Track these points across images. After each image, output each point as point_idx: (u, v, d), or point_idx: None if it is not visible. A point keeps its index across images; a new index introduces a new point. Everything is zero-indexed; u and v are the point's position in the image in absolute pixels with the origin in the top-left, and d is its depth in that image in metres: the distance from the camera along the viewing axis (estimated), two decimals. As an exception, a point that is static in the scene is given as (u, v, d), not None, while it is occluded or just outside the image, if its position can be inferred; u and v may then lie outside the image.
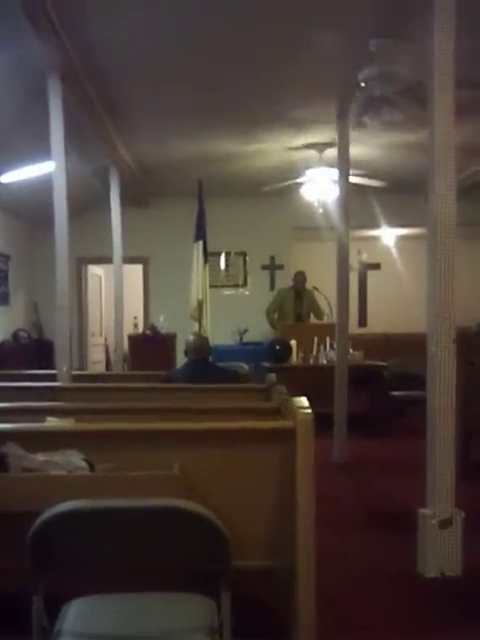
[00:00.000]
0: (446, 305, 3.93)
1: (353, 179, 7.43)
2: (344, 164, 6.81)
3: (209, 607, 2.16)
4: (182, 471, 2.70)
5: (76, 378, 5.64)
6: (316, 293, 10.07)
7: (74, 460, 2.68)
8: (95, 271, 12.26)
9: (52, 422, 3.29)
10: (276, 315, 10.47)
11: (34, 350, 9.84)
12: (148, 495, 2.22)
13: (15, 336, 10.29)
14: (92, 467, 2.71)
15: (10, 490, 2.57)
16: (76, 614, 2.13)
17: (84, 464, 2.69)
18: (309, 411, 2.78)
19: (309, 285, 10.31)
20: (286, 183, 8.81)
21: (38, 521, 1.95)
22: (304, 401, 2.96)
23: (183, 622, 2.11)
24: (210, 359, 5.78)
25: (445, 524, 3.88)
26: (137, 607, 2.19)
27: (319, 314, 10.14)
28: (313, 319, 10.32)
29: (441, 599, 3.64)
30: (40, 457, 2.69)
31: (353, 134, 6.85)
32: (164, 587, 2.25)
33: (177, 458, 2.76)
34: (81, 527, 1.98)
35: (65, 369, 5.40)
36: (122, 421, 3.13)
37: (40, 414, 3.40)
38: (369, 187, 8.86)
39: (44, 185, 5.80)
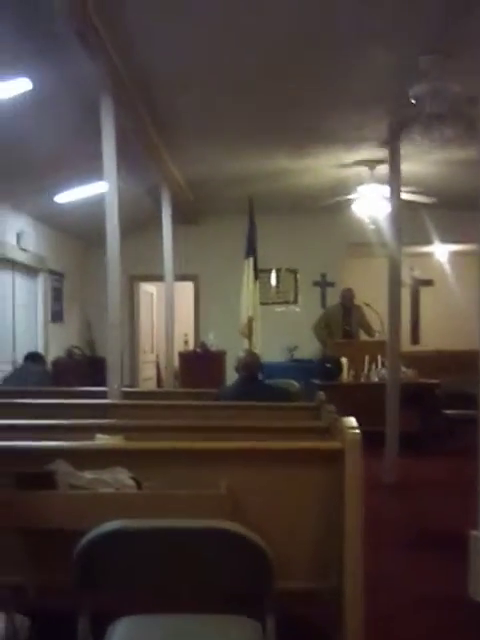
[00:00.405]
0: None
1: (404, 196, 7.38)
2: (395, 181, 6.77)
3: (254, 629, 2.14)
4: (229, 490, 2.69)
5: (126, 395, 5.68)
6: (367, 310, 9.98)
7: (122, 478, 2.70)
8: (147, 289, 12.38)
9: (101, 439, 3.31)
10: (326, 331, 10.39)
11: (87, 367, 9.96)
12: (194, 514, 2.23)
13: (69, 353, 10.44)
14: (139, 485, 2.73)
15: (58, 507, 2.60)
16: (122, 634, 2.13)
17: (131, 482, 2.70)
18: (358, 431, 2.76)
19: (360, 302, 10.23)
20: (337, 199, 8.79)
21: (84, 540, 1.96)
22: (353, 421, 2.93)
23: (229, 644, 2.10)
24: (260, 376, 5.77)
25: (498, 547, 3.80)
26: (183, 628, 2.19)
27: (369, 331, 10.04)
28: (363, 336, 10.24)
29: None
30: (88, 475, 2.72)
31: (405, 150, 6.81)
32: (209, 608, 2.24)
33: (224, 477, 2.76)
34: (126, 546, 1.99)
35: (116, 386, 5.44)
36: (170, 439, 3.15)
37: (89, 431, 3.44)
38: (421, 203, 8.79)
39: (97, 205, 5.89)
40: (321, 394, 4.83)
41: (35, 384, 6.59)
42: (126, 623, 2.18)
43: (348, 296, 10.24)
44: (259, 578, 2.03)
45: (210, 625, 2.20)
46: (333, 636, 2.91)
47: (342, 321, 10.15)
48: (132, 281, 11.68)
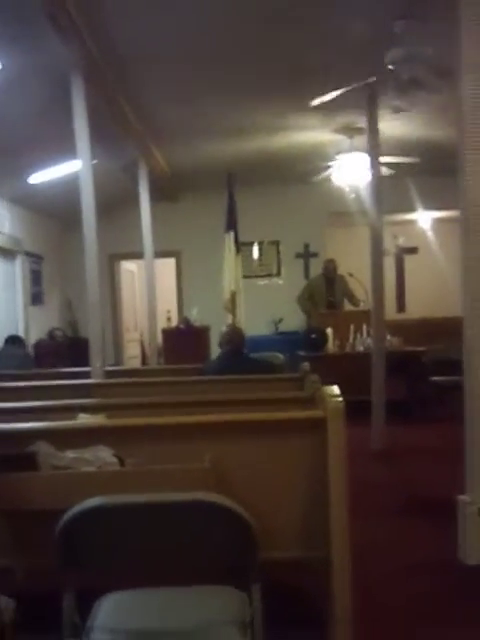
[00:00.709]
0: (480, 287, 3.84)
1: (386, 159, 7.33)
2: (374, 148, 6.73)
3: (241, 599, 2.14)
4: (213, 464, 2.68)
5: (110, 374, 5.66)
6: (352, 279, 9.96)
7: (104, 456, 2.68)
8: (128, 267, 12.31)
9: (84, 418, 3.29)
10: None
11: (70, 348, 9.91)
12: (179, 489, 2.21)
13: (51, 335, 10.39)
14: (122, 462, 2.71)
15: (40, 488, 2.58)
16: (108, 610, 2.12)
17: (114, 459, 2.68)
18: (340, 399, 2.74)
19: (344, 271, 10.21)
20: (317, 168, 8.75)
21: (65, 517, 1.94)
22: (335, 389, 2.91)
23: (215, 615, 2.09)
24: (245, 350, 5.75)
25: (485, 511, 3.82)
26: (169, 601, 2.18)
27: (353, 300, 10.05)
28: (348, 306, 10.25)
29: (482, 586, 3.59)
30: (70, 454, 2.69)
31: (384, 116, 6.76)
32: (196, 580, 2.23)
33: (208, 451, 2.74)
34: (108, 523, 1.98)
35: (98, 365, 5.42)
36: (153, 415, 3.13)
37: (71, 411, 3.41)
38: (404, 169, 8.74)
39: (72, 184, 5.83)
40: (305, 365, 4.82)
41: (16, 367, 6.55)
42: (112, 599, 2.17)
43: (330, 267, 10.24)
44: (244, 549, 2.02)
45: (196, 597, 2.19)
46: (322, 605, 2.91)
47: (326, 292, 10.15)
48: (112, 260, 11.61)
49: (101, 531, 2.01)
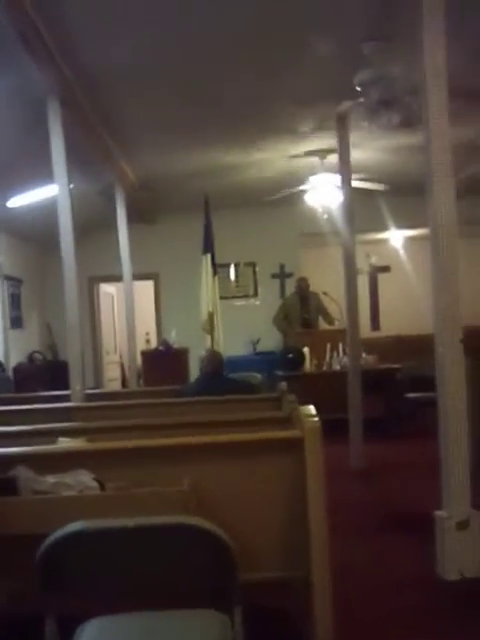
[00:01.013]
0: (451, 305, 3.91)
1: (356, 183, 7.43)
2: (346, 169, 6.82)
3: (222, 622, 2.15)
4: (192, 486, 2.70)
5: (90, 397, 5.66)
6: (326, 298, 10.07)
7: (84, 480, 2.70)
8: (107, 289, 12.31)
9: (64, 442, 3.30)
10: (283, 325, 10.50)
11: (49, 371, 9.88)
12: (158, 512, 2.23)
13: (30, 358, 10.36)
14: (102, 486, 2.73)
15: (20, 513, 2.59)
16: (90, 635, 2.12)
17: (94, 483, 2.70)
18: (316, 419, 2.78)
19: (319, 291, 10.34)
20: (289, 191, 8.83)
21: (45, 543, 1.96)
22: (312, 409, 2.96)
23: (197, 639, 2.11)
24: (223, 372, 5.78)
25: (462, 526, 3.86)
26: (151, 625, 2.19)
27: (327, 318, 10.16)
28: (322, 325, 10.35)
29: (462, 601, 3.61)
30: (50, 479, 2.71)
31: (355, 139, 6.86)
32: (178, 604, 2.25)
33: (188, 472, 2.77)
34: (89, 547, 2.00)
35: (78, 388, 5.43)
36: (133, 438, 3.15)
37: (52, 435, 3.42)
38: (375, 190, 8.87)
39: (50, 208, 5.85)
40: (283, 385, 4.86)
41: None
42: (94, 624, 2.17)
43: (303, 285, 10.42)
44: (224, 571, 2.04)
45: (178, 621, 2.20)
46: (303, 624, 2.94)
47: (300, 310, 10.28)
48: (92, 282, 11.61)
49: (82, 556, 2.02)
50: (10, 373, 9.33)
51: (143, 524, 2.01)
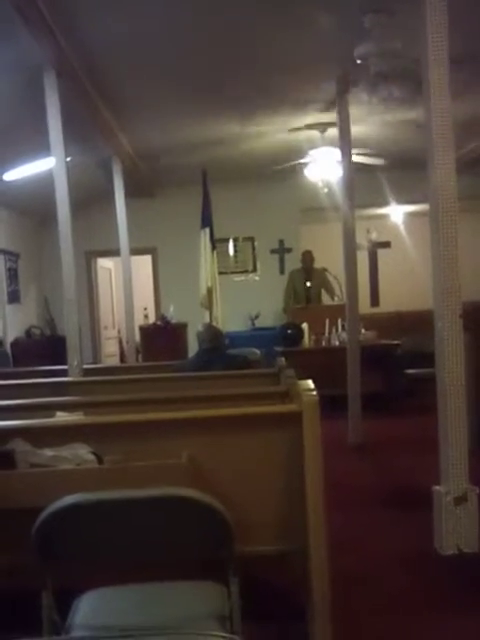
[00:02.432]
0: (451, 281, 3.89)
1: (355, 158, 7.37)
2: (346, 143, 6.76)
3: (220, 594, 2.15)
4: (190, 459, 2.70)
5: (87, 372, 5.65)
6: (327, 274, 10.09)
7: (82, 453, 2.69)
8: (105, 264, 12.27)
9: (61, 417, 3.29)
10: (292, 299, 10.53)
11: (48, 346, 9.87)
12: (155, 485, 2.22)
13: (28, 333, 10.34)
14: (100, 459, 2.72)
15: (17, 486, 2.59)
16: (87, 607, 2.13)
17: (91, 457, 2.69)
18: (314, 393, 2.77)
19: (319, 266, 10.34)
20: (289, 164, 8.76)
21: (41, 516, 1.95)
22: (310, 384, 2.94)
23: (194, 610, 2.11)
24: (222, 347, 5.75)
25: (460, 501, 3.87)
26: (148, 597, 2.19)
27: (331, 291, 10.16)
28: (325, 299, 10.36)
29: (459, 576, 3.63)
30: (48, 452, 2.70)
31: (356, 113, 6.80)
32: (175, 576, 2.25)
33: (186, 446, 2.77)
34: (85, 520, 1.99)
35: (75, 363, 5.41)
36: (130, 412, 3.14)
37: (49, 409, 3.42)
38: (375, 165, 8.80)
39: (47, 181, 5.80)
40: (281, 360, 4.85)
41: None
42: (91, 596, 2.18)
43: (307, 258, 10.45)
44: (220, 543, 2.04)
45: (176, 592, 2.21)
46: (301, 598, 2.94)
47: (303, 284, 10.30)
48: (89, 257, 11.57)
49: (79, 528, 2.02)
50: (8, 348, 9.31)
51: (140, 496, 2.00)
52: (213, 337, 5.45)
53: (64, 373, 5.48)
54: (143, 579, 2.22)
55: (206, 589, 2.20)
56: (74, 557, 2.07)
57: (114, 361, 12.19)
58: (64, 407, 3.48)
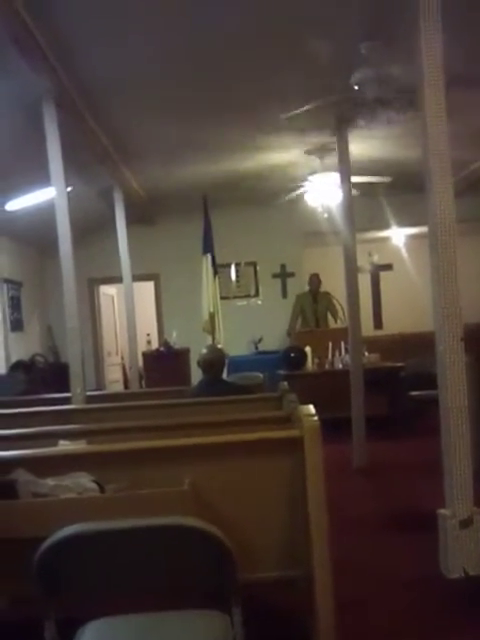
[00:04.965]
0: (451, 303, 3.90)
1: (356, 178, 7.42)
2: (345, 168, 6.81)
3: (223, 622, 2.14)
4: (192, 486, 2.70)
5: (90, 399, 5.65)
6: (332, 297, 10.19)
7: (83, 482, 2.69)
8: (107, 291, 12.31)
9: (64, 445, 3.29)
10: (299, 321, 10.55)
11: (51, 374, 9.87)
12: (158, 513, 2.22)
13: (31, 361, 10.35)
14: (102, 488, 2.72)
15: (20, 516, 2.59)
16: (91, 637, 2.12)
17: (94, 486, 2.70)
18: (316, 418, 2.77)
19: (322, 290, 10.41)
20: (289, 197, 8.83)
21: (42, 547, 1.95)
22: (311, 408, 2.94)
23: (197, 639, 2.10)
24: (224, 374, 5.75)
25: (465, 524, 3.84)
26: (151, 627, 2.18)
27: (336, 315, 10.21)
28: (331, 322, 10.40)
29: (465, 599, 3.60)
30: (50, 482, 2.70)
31: (355, 137, 6.85)
32: (178, 605, 2.24)
33: (188, 473, 2.77)
34: (87, 550, 1.98)
35: (79, 391, 5.42)
36: (133, 440, 3.14)
37: (52, 438, 3.41)
38: (376, 188, 8.85)
39: (49, 210, 5.85)
40: (284, 384, 4.85)
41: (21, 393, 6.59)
42: (95, 626, 2.17)
43: (314, 281, 10.54)
44: (223, 572, 2.03)
45: (178, 621, 2.19)
46: (307, 623, 2.93)
47: (311, 307, 10.37)
48: (92, 284, 11.62)
49: (80, 558, 2.01)
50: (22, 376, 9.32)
51: (141, 525, 2.00)
52: (212, 363, 5.41)
53: (67, 401, 5.49)
54: (146, 608, 2.21)
55: (209, 618, 2.19)
56: (76, 587, 2.06)
57: (118, 387, 12.19)
58: (66, 435, 3.48)
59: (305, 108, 6.17)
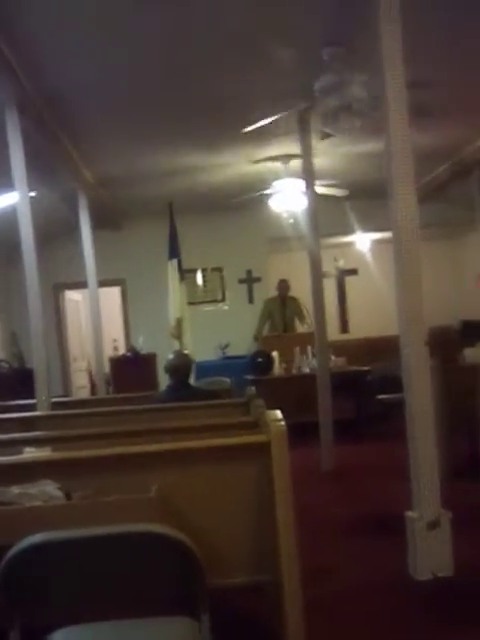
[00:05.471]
0: (415, 307, 3.93)
1: (319, 189, 7.46)
2: (309, 174, 6.86)
3: (192, 629, 2.13)
4: (159, 493, 2.68)
5: (55, 405, 5.60)
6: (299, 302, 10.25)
7: (49, 490, 2.66)
8: (73, 296, 12.21)
9: (29, 453, 3.26)
10: (267, 326, 10.57)
11: (16, 380, 9.76)
12: (125, 520, 2.21)
13: (-5, 367, 10.24)
14: (68, 496, 2.69)
15: (-15, 525, 2.55)
16: (57, 647, 2.10)
17: (59, 493, 2.67)
18: (282, 423, 2.78)
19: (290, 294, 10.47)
20: (249, 196, 8.83)
21: (8, 554, 1.93)
22: (278, 413, 2.94)
23: (166, 646, 2.09)
24: (191, 379, 5.73)
25: (433, 525, 3.87)
26: (119, 634, 2.16)
27: (303, 321, 10.25)
28: (298, 326, 10.44)
29: (434, 601, 3.62)
30: (15, 489, 2.67)
31: (319, 144, 6.88)
32: (146, 612, 2.22)
33: (155, 480, 2.75)
34: (53, 558, 1.96)
35: (44, 398, 5.36)
36: (99, 446, 3.12)
37: (16, 445, 3.38)
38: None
39: (11, 216, 5.79)
40: (251, 389, 4.85)
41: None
42: (61, 635, 2.14)
43: (283, 286, 10.59)
44: (190, 578, 2.03)
45: (146, 629, 2.17)
46: (276, 628, 2.92)
47: (280, 312, 10.42)
48: (57, 290, 11.52)
49: (46, 567, 1.99)
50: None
51: (108, 533, 1.98)
52: (178, 368, 5.40)
53: (32, 407, 5.43)
54: (114, 616, 2.19)
55: (178, 625, 2.17)
56: (42, 595, 2.04)
57: (84, 393, 12.09)
58: (31, 443, 3.44)
59: (265, 122, 6.21)
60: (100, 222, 9.36)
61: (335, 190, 8.53)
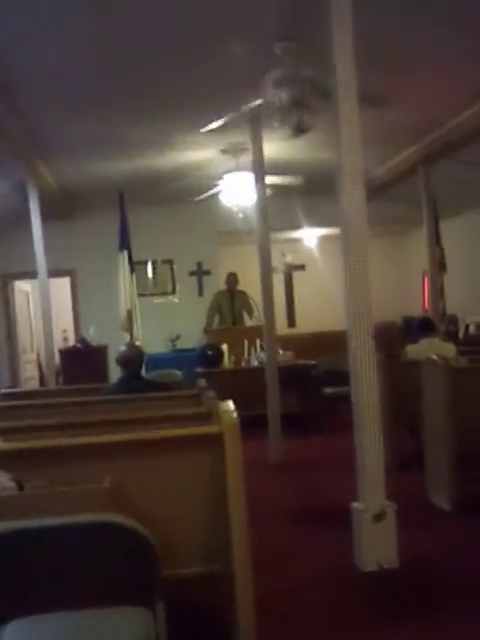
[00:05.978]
0: (362, 303, 4.00)
1: (270, 179, 7.50)
2: (259, 168, 6.89)
3: (147, 619, 2.16)
4: (113, 484, 2.70)
5: (5, 397, 5.54)
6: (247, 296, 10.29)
7: (2, 481, 2.65)
8: (22, 287, 12.05)
9: (-20, 444, 3.24)
10: (216, 319, 10.60)
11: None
12: (79, 510, 2.22)
13: None
14: (21, 486, 2.69)
15: None
16: (12, 637, 2.10)
17: (12, 484, 2.66)
18: (235, 415, 2.82)
19: (239, 288, 10.52)
20: (208, 194, 8.84)
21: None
22: (231, 405, 2.99)
23: (120, 636, 2.11)
24: (142, 371, 5.74)
25: (378, 517, 3.94)
26: (74, 625, 2.17)
27: (252, 315, 10.29)
28: (247, 320, 10.48)
29: (380, 592, 3.70)
30: (-33, 481, 2.66)
31: (270, 137, 6.92)
32: (101, 602, 2.24)
33: (109, 471, 2.76)
34: (6, 548, 1.97)
35: (-8, 389, 5.31)
36: (51, 437, 3.12)
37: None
38: (289, 188, 8.94)
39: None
40: (202, 381, 4.88)
41: None
42: (15, 626, 2.15)
43: (232, 279, 10.63)
44: (145, 567, 2.05)
45: (102, 619, 2.19)
46: (227, 618, 2.97)
47: (228, 305, 10.44)
48: (6, 280, 11.37)
49: None
50: None
51: (62, 523, 2.00)
52: (129, 360, 5.39)
53: (-20, 399, 5.37)
54: (69, 607, 2.20)
55: (133, 615, 2.20)
56: (-3, 587, 2.05)
57: (34, 385, 11.94)
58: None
59: (221, 121, 6.22)
60: (51, 212, 9.26)
61: (286, 178, 8.54)
